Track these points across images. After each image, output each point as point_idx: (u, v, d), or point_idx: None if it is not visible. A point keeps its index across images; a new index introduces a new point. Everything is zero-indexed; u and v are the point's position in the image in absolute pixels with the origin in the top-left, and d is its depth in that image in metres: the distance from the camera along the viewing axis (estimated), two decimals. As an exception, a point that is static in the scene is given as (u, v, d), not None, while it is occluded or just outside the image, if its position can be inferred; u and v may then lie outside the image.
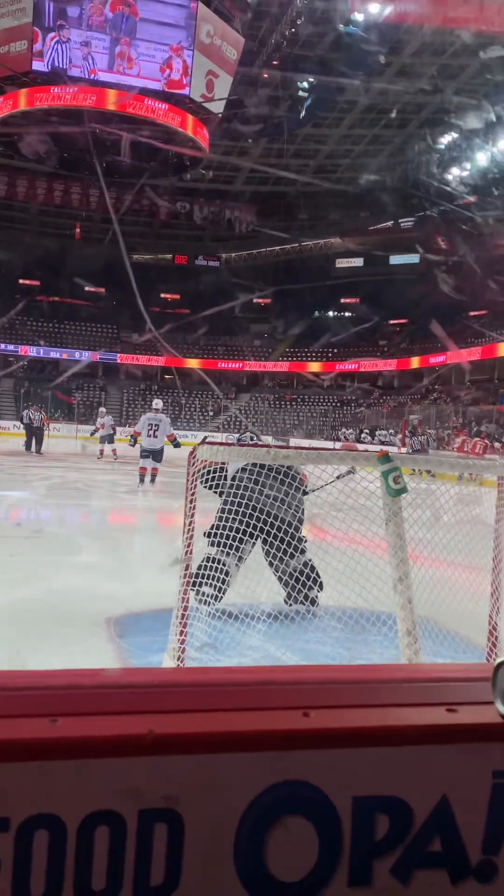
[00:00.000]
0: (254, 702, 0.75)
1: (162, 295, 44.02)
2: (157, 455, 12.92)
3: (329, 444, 28.17)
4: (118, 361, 42.56)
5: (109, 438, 20.24)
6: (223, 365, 43.52)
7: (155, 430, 12.80)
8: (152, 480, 12.82)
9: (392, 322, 41.20)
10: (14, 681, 0.78)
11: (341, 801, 0.72)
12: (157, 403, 13.87)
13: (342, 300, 44.51)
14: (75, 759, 0.68)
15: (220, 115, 25.88)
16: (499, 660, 0.79)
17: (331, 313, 44.97)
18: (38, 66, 22.93)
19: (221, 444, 4.10)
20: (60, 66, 22.96)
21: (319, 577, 4.27)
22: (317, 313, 44.75)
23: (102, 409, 22.63)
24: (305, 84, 29.35)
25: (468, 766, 0.77)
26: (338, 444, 28.35)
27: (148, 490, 12.72)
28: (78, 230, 43.15)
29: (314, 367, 43.14)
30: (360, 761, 0.73)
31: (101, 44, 23.30)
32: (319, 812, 0.72)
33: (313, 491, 4.71)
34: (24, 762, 0.67)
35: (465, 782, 0.77)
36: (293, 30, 26.42)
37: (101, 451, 20.31)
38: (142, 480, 12.88)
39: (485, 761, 0.78)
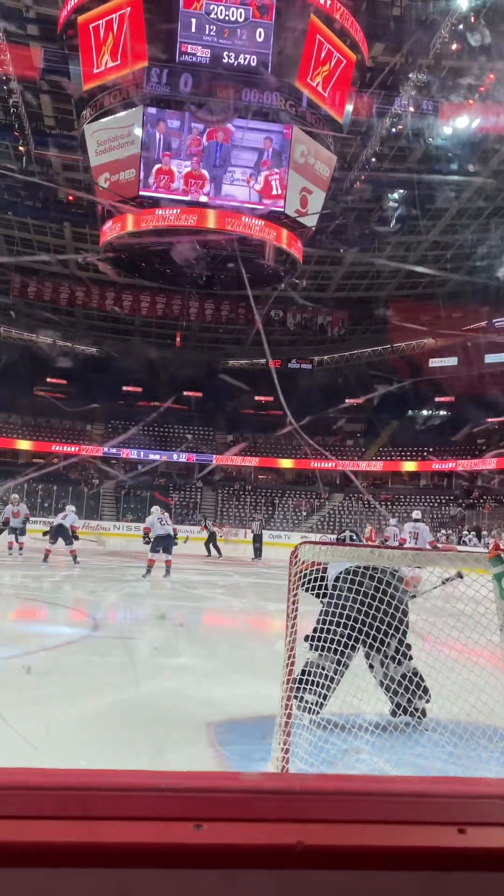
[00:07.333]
0: (405, 815, 0.69)
1: (256, 398, 45.06)
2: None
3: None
4: (213, 462, 43.38)
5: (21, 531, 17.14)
6: (316, 465, 43.57)
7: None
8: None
9: (490, 420, 40.47)
10: (157, 781, 0.74)
11: None
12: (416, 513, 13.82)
13: (437, 399, 44.23)
14: (221, 869, 0.63)
15: (313, 228, 27.10)
16: None
17: (425, 412, 44.62)
18: (144, 192, 24.93)
19: (323, 543, 4.03)
20: (164, 191, 24.85)
21: (427, 686, 4.06)
22: (410, 412, 44.53)
23: (15, 497, 18.66)
24: (395, 195, 30.54)
25: None
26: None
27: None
28: (178, 339, 45.24)
29: (409, 466, 42.54)
30: None
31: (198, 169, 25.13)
32: None
33: (420, 595, 4.54)
34: (169, 868, 0.63)
35: None
36: (382, 146, 27.76)
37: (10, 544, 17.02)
38: None
39: None
